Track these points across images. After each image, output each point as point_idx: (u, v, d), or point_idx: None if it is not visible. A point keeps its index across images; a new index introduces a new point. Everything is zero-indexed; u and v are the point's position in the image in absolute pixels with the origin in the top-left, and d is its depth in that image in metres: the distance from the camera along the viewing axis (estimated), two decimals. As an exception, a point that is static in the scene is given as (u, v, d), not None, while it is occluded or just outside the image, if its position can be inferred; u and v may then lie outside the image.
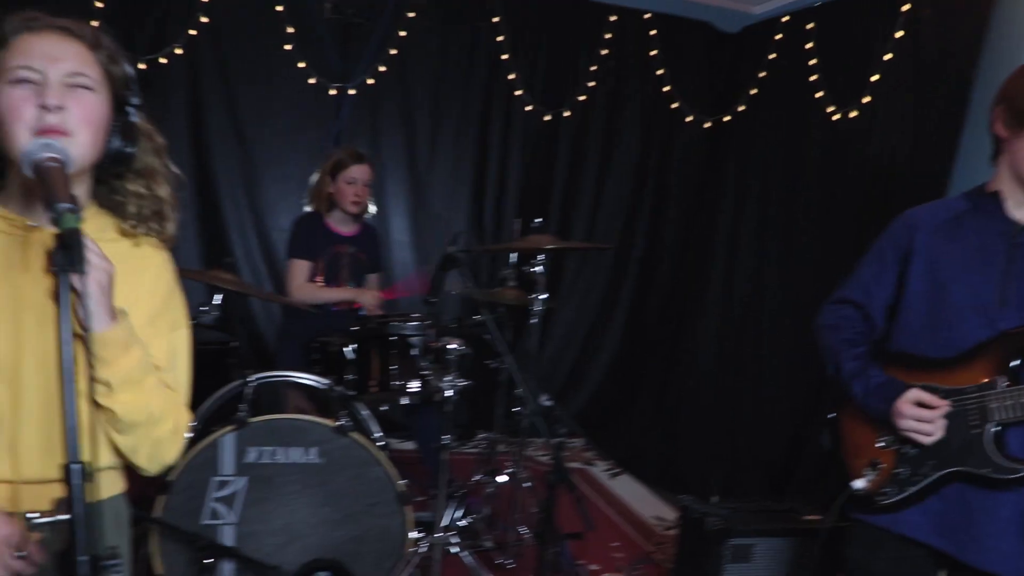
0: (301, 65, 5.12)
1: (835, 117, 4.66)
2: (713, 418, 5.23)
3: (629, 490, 4.86)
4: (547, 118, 5.69)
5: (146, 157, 1.58)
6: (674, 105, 5.83)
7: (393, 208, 5.48)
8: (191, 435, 2.86)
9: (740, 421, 5.06)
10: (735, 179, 5.57)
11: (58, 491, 1.44)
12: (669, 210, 5.97)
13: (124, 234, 1.60)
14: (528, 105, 5.62)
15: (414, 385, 3.13)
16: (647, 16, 5.73)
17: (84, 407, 1.47)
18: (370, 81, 5.27)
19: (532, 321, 3.39)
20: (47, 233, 1.48)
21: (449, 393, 2.86)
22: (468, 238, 2.81)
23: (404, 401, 3.21)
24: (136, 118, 1.56)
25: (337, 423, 2.71)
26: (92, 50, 1.47)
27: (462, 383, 2.89)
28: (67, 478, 1.20)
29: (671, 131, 5.90)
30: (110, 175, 1.57)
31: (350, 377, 3.19)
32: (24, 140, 1.37)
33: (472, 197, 5.69)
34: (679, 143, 5.92)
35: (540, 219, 3.57)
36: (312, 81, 5.16)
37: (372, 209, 4.20)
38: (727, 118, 5.73)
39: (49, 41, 1.43)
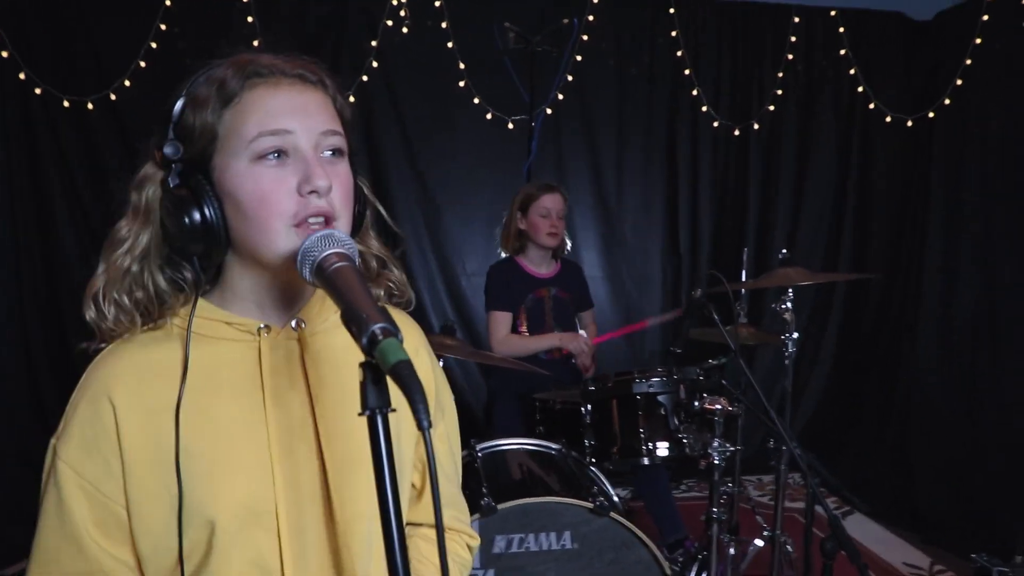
0: (476, 100, 4.92)
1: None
2: (948, 443, 4.71)
3: (866, 531, 4.37)
4: (736, 132, 5.33)
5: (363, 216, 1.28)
6: (871, 106, 5.38)
7: (583, 241, 5.22)
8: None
9: (982, 444, 4.54)
10: (946, 179, 5.09)
11: None
12: (874, 219, 5.51)
13: None
14: (715, 121, 5.28)
15: (663, 448, 2.80)
16: (832, 13, 5.31)
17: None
18: (549, 111, 5.02)
19: (786, 363, 3.01)
20: (283, 334, 1.20)
21: (717, 460, 2.51)
22: (710, 280, 2.47)
23: (646, 462, 2.89)
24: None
25: (594, 503, 2.39)
26: (332, 98, 1.18)
27: (731, 448, 2.54)
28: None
29: (869, 134, 5.46)
30: None
31: (590, 441, 2.88)
32: (283, 237, 1.08)
33: (665, 223, 5.39)
34: (880, 146, 5.46)
35: (785, 250, 3.21)
36: (489, 116, 4.96)
37: (568, 245, 3.90)
38: (931, 114, 5.21)
39: (290, 93, 1.12)
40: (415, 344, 1.37)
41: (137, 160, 1.17)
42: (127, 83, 4.54)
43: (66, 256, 4.61)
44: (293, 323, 1.20)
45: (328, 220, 1.10)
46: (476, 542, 1.48)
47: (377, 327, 0.87)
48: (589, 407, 2.94)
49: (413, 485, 1.36)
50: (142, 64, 4.53)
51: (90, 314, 1.14)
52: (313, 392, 1.19)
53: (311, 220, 1.09)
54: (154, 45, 4.54)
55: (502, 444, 2.87)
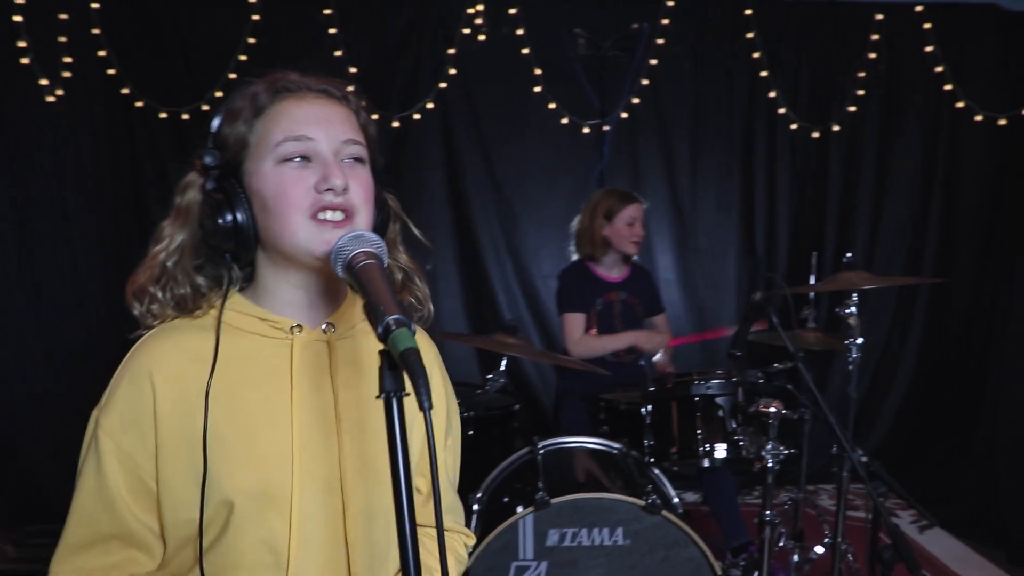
0: (552, 106, 5.00)
1: None
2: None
3: (946, 548, 4.24)
4: (815, 135, 5.25)
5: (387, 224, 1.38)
6: (959, 104, 5.19)
7: (658, 245, 5.23)
8: (479, 508, 2.74)
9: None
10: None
11: None
12: (961, 223, 5.33)
13: None
14: (793, 123, 5.21)
15: (721, 449, 2.82)
16: (918, 8, 5.15)
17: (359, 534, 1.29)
18: (624, 115, 5.07)
19: (849, 368, 2.99)
20: (314, 335, 1.29)
21: (771, 463, 2.53)
22: (773, 282, 2.46)
23: (706, 464, 2.92)
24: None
25: (646, 501, 2.44)
26: (355, 113, 1.29)
27: (785, 452, 2.55)
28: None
29: (957, 134, 5.27)
30: None
31: (649, 442, 2.93)
32: (302, 229, 1.19)
33: (740, 227, 5.35)
34: (968, 147, 5.27)
35: (850, 254, 3.17)
36: (564, 121, 5.03)
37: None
38: (1027, 112, 5.03)
39: (314, 105, 1.24)
40: (429, 363, 1.44)
41: (185, 169, 1.30)
42: (218, 94, 4.77)
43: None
44: (324, 326, 1.30)
45: (348, 215, 1.21)
46: (472, 540, 1.57)
47: (392, 318, 0.97)
48: (650, 407, 2.98)
49: (419, 490, 1.44)
50: (232, 76, 4.76)
51: (135, 307, 1.28)
52: (337, 392, 1.28)
53: (329, 214, 1.19)
54: (243, 58, 4.76)
55: (563, 442, 2.94)
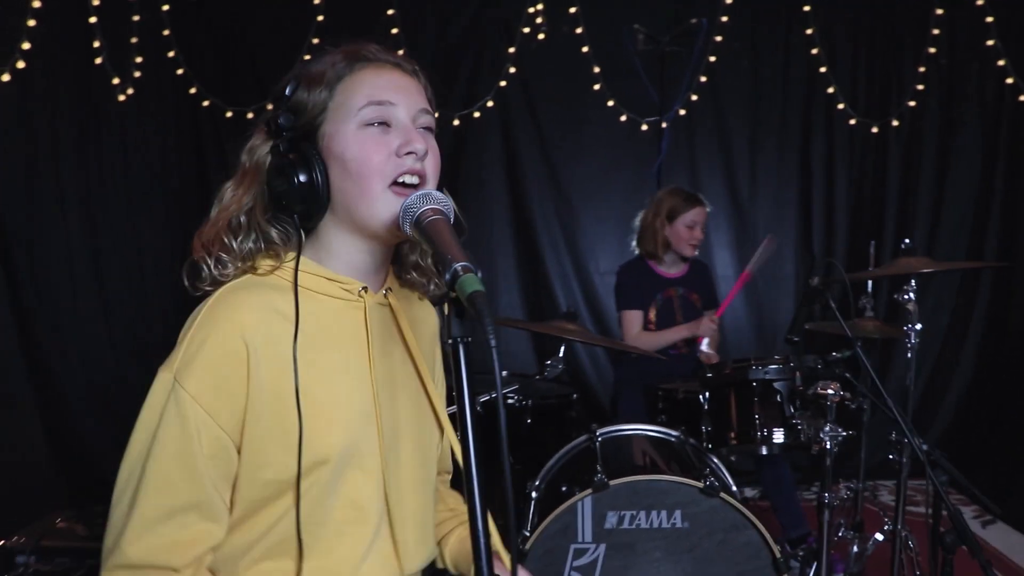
0: (611, 103, 5.06)
1: None
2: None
3: (1009, 543, 4.17)
4: (874, 130, 5.23)
5: None
6: (1021, 98, 5.12)
7: (716, 241, 5.24)
8: (537, 496, 2.78)
9: None
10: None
11: None
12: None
13: (404, 285, 1.45)
14: (852, 119, 5.20)
15: (779, 434, 2.84)
16: (979, 2, 5.08)
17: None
18: (682, 112, 5.11)
19: (908, 356, 2.98)
20: (377, 298, 1.34)
21: (829, 445, 2.54)
22: (830, 267, 2.47)
23: (764, 451, 2.94)
24: None
25: (704, 483, 2.46)
26: (424, 88, 1.34)
27: (843, 433, 2.56)
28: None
29: (1019, 129, 5.20)
30: None
31: (706, 428, 2.96)
32: (381, 199, 1.22)
33: (798, 223, 5.35)
34: (1032, 140, 5.19)
35: (908, 240, 3.16)
36: (623, 118, 5.08)
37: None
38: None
39: (392, 75, 1.28)
40: (430, 338, 1.52)
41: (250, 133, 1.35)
42: (284, 94, 4.89)
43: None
44: (384, 290, 1.36)
45: (422, 182, 1.25)
46: None
47: (459, 265, 1.00)
48: (707, 394, 3.01)
49: None
50: (297, 75, 4.88)
51: (203, 260, 1.25)
52: (408, 351, 1.38)
53: (407, 179, 1.23)
54: (307, 58, 4.88)
55: (621, 429, 2.97)
